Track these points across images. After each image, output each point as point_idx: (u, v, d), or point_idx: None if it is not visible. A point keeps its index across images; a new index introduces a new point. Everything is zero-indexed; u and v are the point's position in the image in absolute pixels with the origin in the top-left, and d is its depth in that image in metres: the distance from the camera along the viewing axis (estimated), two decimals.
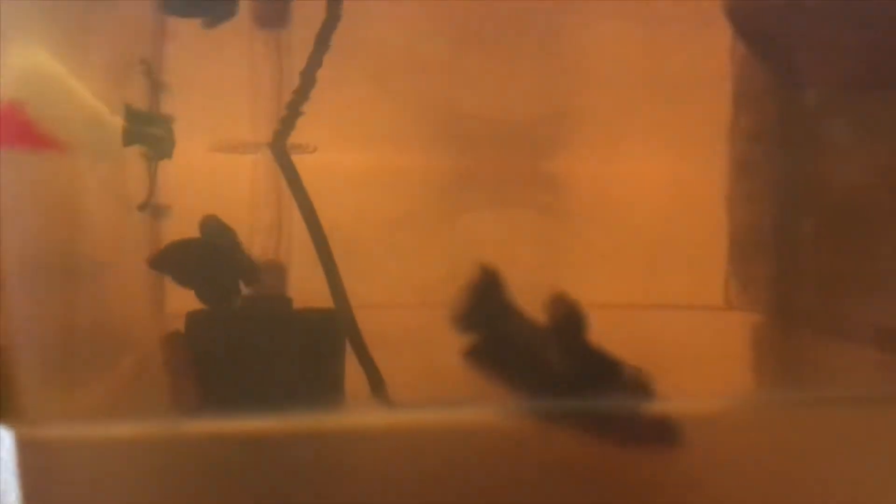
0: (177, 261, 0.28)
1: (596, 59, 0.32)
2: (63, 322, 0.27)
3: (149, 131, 0.28)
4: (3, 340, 0.25)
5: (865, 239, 0.33)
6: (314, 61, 0.29)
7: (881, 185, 0.32)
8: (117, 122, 0.27)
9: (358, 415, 0.29)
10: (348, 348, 0.28)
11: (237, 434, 0.26)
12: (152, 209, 0.28)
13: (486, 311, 0.29)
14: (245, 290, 0.28)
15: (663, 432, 0.29)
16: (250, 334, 0.29)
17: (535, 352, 0.29)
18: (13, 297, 0.25)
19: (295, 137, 0.30)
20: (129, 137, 0.27)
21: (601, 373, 0.29)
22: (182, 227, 0.28)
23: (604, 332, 0.32)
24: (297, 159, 0.30)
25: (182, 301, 0.28)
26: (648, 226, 0.33)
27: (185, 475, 0.26)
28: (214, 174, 0.29)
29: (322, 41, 0.29)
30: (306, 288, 0.29)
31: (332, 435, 0.27)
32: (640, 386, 0.29)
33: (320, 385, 0.28)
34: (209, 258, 0.28)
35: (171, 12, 0.28)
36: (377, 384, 0.28)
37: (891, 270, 0.32)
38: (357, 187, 0.31)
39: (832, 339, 0.33)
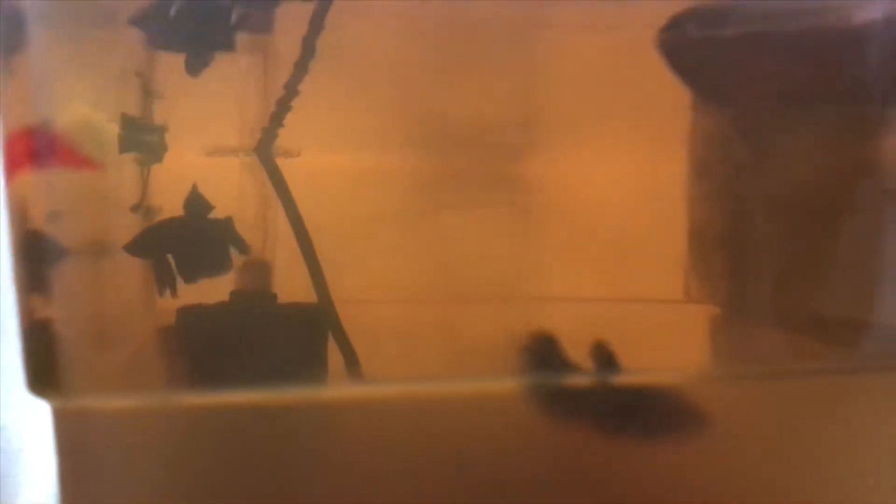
0: (165, 239, 0.30)
1: (565, 64, 0.34)
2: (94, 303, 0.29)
3: (143, 138, 0.29)
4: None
5: (816, 235, 0.35)
6: (300, 68, 0.30)
7: (829, 186, 0.35)
8: (113, 130, 0.29)
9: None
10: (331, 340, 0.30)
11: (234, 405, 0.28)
12: (145, 211, 0.30)
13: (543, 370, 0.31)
14: (237, 258, 0.30)
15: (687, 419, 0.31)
16: (238, 328, 0.31)
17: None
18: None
19: (280, 141, 0.31)
20: (126, 145, 0.29)
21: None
22: None
23: (571, 324, 0.35)
24: (283, 163, 0.31)
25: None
26: (613, 223, 0.35)
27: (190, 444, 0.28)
28: (203, 178, 0.31)
29: (307, 47, 0.30)
30: (291, 284, 0.31)
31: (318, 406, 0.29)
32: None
33: (304, 371, 0.30)
34: (197, 231, 0.30)
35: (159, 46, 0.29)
36: (354, 367, 0.30)
37: (841, 266, 0.35)
38: (341, 188, 0.33)
39: (785, 331, 0.35)
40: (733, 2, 0.33)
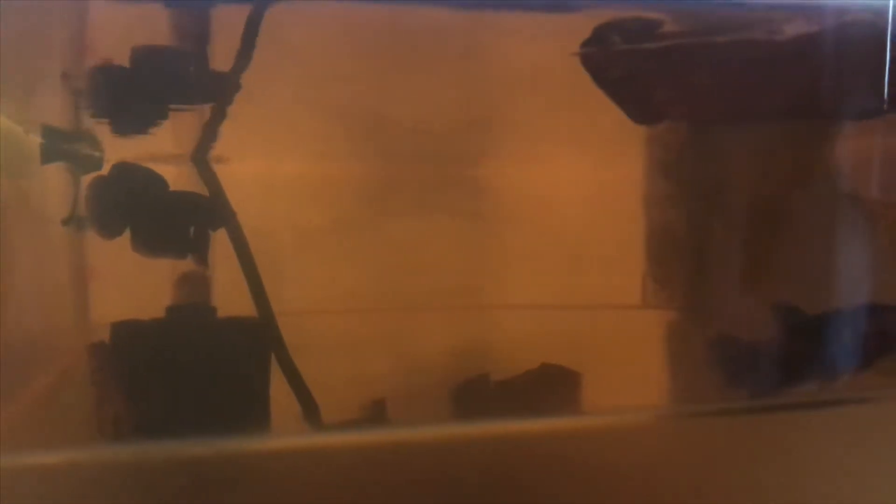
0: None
1: (517, 67, 0.33)
2: None
3: (70, 148, 0.28)
4: None
5: (773, 240, 0.34)
6: (235, 71, 0.29)
7: (786, 193, 0.34)
8: (34, 140, 0.27)
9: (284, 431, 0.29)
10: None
11: (163, 459, 0.26)
12: (77, 222, 0.29)
13: None
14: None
15: None
16: (175, 344, 0.29)
17: None
18: None
19: (218, 148, 0.30)
20: (48, 155, 0.28)
21: None
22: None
23: (526, 333, 0.34)
24: (221, 169, 0.30)
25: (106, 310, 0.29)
26: (568, 228, 0.34)
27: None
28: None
29: (243, 53, 0.29)
30: (231, 297, 0.30)
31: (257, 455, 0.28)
32: None
33: (245, 394, 0.29)
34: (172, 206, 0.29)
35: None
36: (302, 392, 0.29)
37: (795, 271, 0.34)
38: (284, 196, 0.31)
39: (742, 336, 0.34)
40: (661, 14, 0.32)
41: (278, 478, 0.28)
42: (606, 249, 0.34)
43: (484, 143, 0.33)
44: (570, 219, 0.34)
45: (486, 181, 0.33)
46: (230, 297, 0.30)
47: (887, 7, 0.33)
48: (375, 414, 0.31)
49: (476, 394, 0.32)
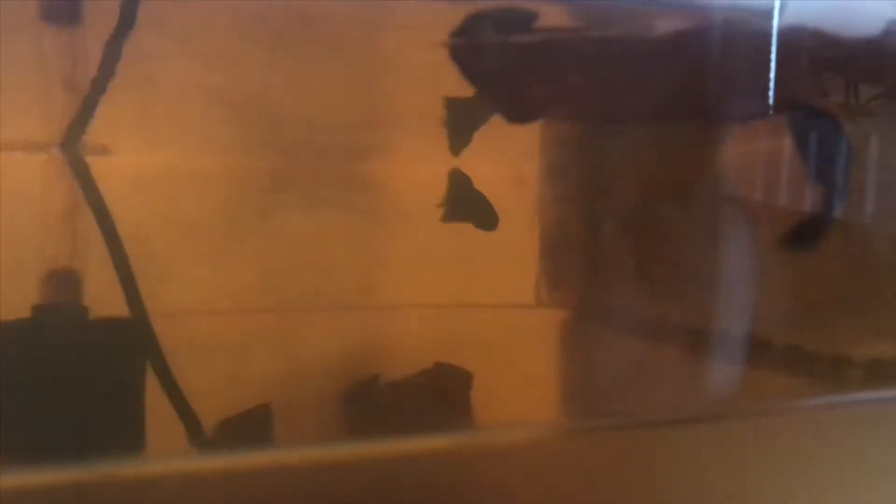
0: None
1: (411, 64, 0.32)
2: None
3: None
4: None
5: (657, 242, 0.35)
6: (108, 58, 0.28)
7: (671, 194, 0.34)
8: None
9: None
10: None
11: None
12: None
13: None
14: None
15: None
16: (43, 346, 0.27)
17: None
18: None
19: (94, 137, 0.28)
20: None
21: None
22: None
23: (418, 333, 0.33)
24: (94, 160, 0.28)
25: None
26: (462, 226, 0.33)
27: None
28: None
29: (116, 39, 0.28)
30: (104, 296, 0.28)
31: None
32: None
33: (119, 407, 0.27)
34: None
35: None
36: (177, 398, 0.27)
37: (686, 273, 0.35)
38: (163, 189, 0.30)
39: (635, 337, 0.34)
40: (534, 3, 0.32)
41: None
42: (500, 248, 0.34)
43: (377, 137, 0.32)
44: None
45: (379, 177, 0.33)
46: (104, 295, 0.28)
47: (773, 8, 0.34)
48: (259, 420, 0.29)
49: (366, 396, 0.31)
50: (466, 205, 0.33)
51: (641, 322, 0.34)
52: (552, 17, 0.32)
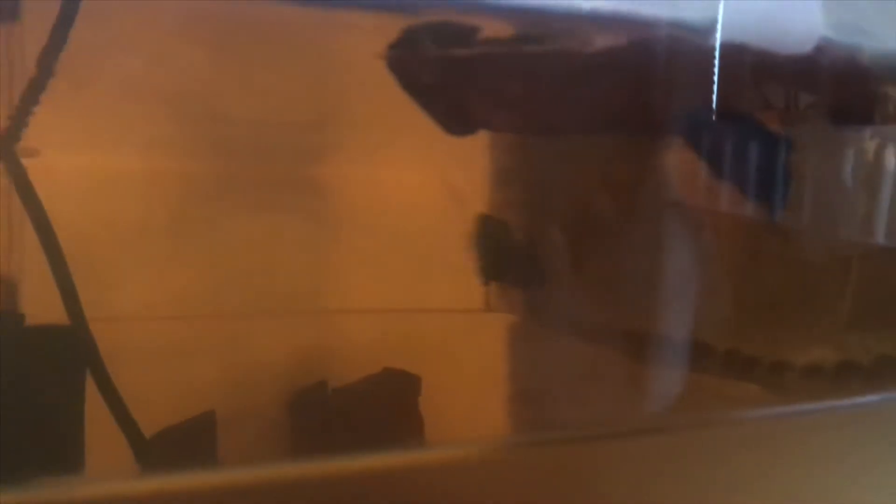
0: None
1: (363, 65, 0.32)
2: None
3: None
4: None
5: (602, 249, 0.35)
6: (47, 57, 0.27)
7: (614, 202, 0.35)
8: None
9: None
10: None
11: None
12: None
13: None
14: None
15: None
16: None
17: None
18: None
19: (32, 140, 0.27)
20: None
21: None
22: None
23: (367, 338, 0.33)
24: (32, 163, 0.27)
25: None
26: (412, 230, 0.33)
27: None
28: None
29: (56, 37, 0.27)
30: (42, 303, 0.27)
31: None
32: None
33: (58, 418, 0.26)
34: None
35: None
36: (118, 407, 0.26)
37: (622, 281, 0.35)
38: (105, 192, 0.29)
39: (582, 341, 0.35)
40: (476, 17, 0.32)
41: None
42: (450, 253, 0.34)
43: (327, 140, 0.32)
44: (413, 221, 0.33)
45: (328, 180, 0.32)
46: (41, 302, 0.27)
47: (716, 22, 0.34)
48: (203, 428, 0.29)
49: (313, 403, 0.31)
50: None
51: (587, 328, 0.35)
52: (494, 30, 0.32)
